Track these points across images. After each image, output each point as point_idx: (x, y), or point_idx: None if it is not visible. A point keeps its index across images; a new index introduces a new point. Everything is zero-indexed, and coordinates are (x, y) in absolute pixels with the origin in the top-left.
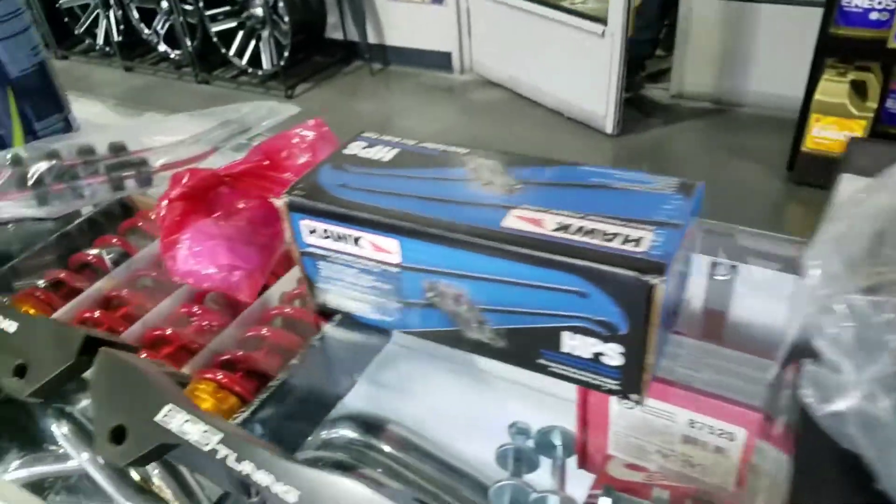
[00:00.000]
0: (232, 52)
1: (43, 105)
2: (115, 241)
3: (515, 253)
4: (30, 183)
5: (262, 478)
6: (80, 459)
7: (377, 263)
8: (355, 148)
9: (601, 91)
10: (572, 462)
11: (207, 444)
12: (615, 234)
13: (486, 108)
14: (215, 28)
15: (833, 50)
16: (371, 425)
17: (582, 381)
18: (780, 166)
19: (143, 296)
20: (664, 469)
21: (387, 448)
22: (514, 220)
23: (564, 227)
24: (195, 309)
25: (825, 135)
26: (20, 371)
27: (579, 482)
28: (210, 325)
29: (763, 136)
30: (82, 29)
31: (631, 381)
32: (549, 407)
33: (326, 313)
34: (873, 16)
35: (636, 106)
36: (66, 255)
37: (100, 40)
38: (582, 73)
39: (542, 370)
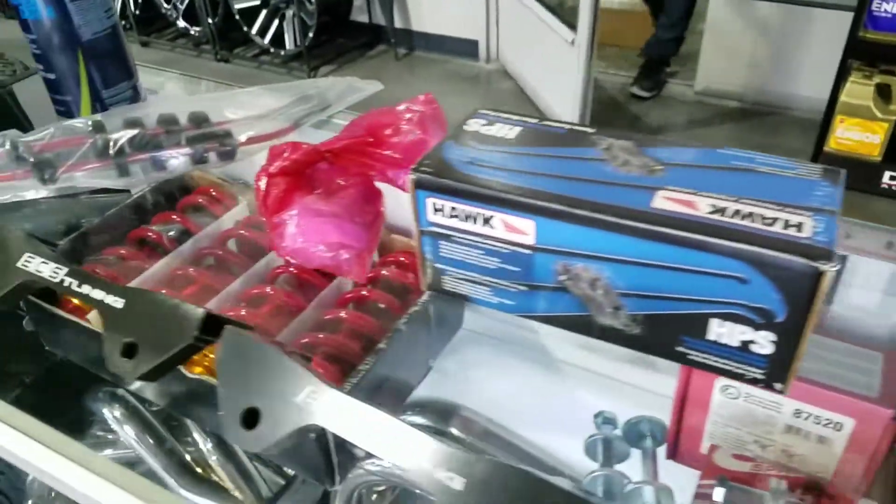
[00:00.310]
0: (254, 30)
1: (113, 71)
2: (174, 217)
3: (669, 235)
4: (112, 152)
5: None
6: (136, 447)
7: (507, 244)
8: (475, 125)
9: (571, 99)
10: (660, 452)
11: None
12: (774, 219)
13: (507, 98)
14: (238, 5)
15: (861, 53)
16: (443, 413)
17: (723, 369)
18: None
19: (210, 275)
20: (760, 459)
21: (465, 438)
22: (664, 202)
23: (720, 210)
24: (268, 290)
25: (848, 136)
26: (129, 351)
27: (667, 473)
28: (285, 307)
29: (786, 136)
30: None
31: (777, 371)
32: (623, 396)
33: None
34: None
35: (660, 102)
36: (125, 231)
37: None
38: (555, 78)
39: (680, 358)
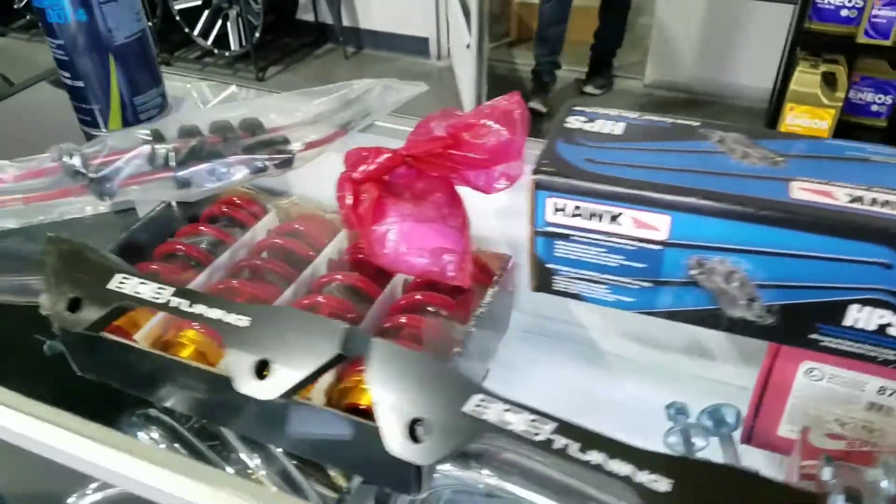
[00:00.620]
0: (196, 31)
1: (143, 78)
2: (202, 229)
3: (814, 224)
4: (174, 163)
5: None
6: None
7: (634, 241)
8: (576, 122)
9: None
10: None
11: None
12: None
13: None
14: (178, 6)
15: (806, 44)
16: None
17: (857, 353)
18: None
19: (256, 286)
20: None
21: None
22: (802, 192)
23: (857, 199)
24: (320, 299)
25: (798, 122)
26: (261, 370)
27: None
28: (340, 315)
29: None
30: (23, 3)
31: None
32: (678, 385)
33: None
34: (844, 13)
35: (611, 97)
36: (148, 247)
37: None
38: (464, 80)
39: (811, 345)
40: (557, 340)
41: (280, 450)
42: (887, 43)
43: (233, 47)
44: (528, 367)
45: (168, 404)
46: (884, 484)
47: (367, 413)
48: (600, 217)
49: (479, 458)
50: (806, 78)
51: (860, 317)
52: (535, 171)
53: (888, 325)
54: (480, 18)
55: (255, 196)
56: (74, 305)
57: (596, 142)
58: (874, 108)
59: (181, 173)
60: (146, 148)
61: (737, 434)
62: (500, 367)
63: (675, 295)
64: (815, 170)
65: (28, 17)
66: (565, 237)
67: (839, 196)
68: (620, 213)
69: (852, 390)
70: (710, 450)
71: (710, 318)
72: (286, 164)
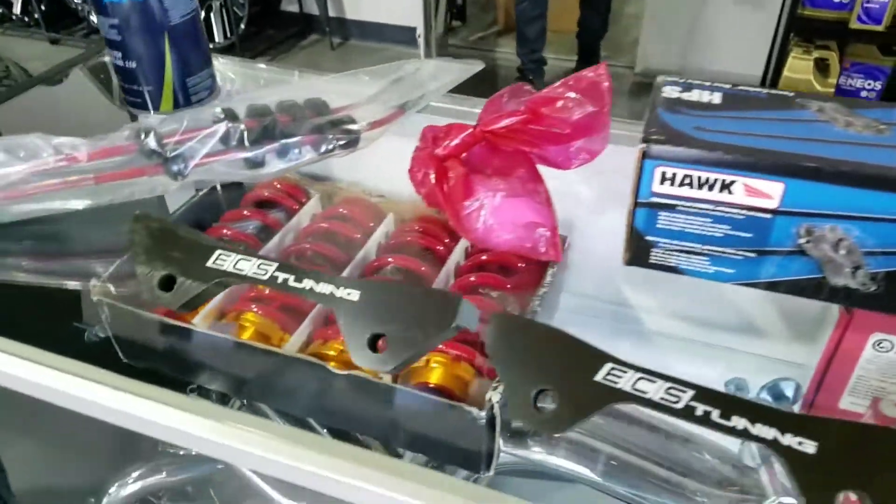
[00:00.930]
0: None
1: (195, 58)
2: (246, 213)
3: None
4: (248, 142)
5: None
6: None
7: (743, 210)
8: (673, 92)
9: None
10: None
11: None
12: None
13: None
14: None
15: (800, 30)
16: None
17: None
18: None
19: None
20: None
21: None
22: None
23: None
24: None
25: None
26: (374, 343)
27: None
28: None
29: None
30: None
31: None
32: (729, 362)
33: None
34: None
35: None
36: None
37: (17, 9)
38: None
39: None
40: (606, 320)
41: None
42: (879, 28)
43: (217, 39)
44: None
45: (221, 388)
46: None
47: (437, 391)
48: (711, 185)
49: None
50: (799, 64)
51: None
52: (645, 140)
53: None
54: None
55: (297, 181)
56: (168, 284)
57: (698, 110)
58: (864, 94)
59: (254, 153)
60: (221, 126)
61: (796, 408)
62: None
63: (780, 265)
64: None
65: (87, 23)
66: (670, 208)
67: None
68: (734, 181)
69: None
70: None
71: (812, 288)
72: (352, 143)
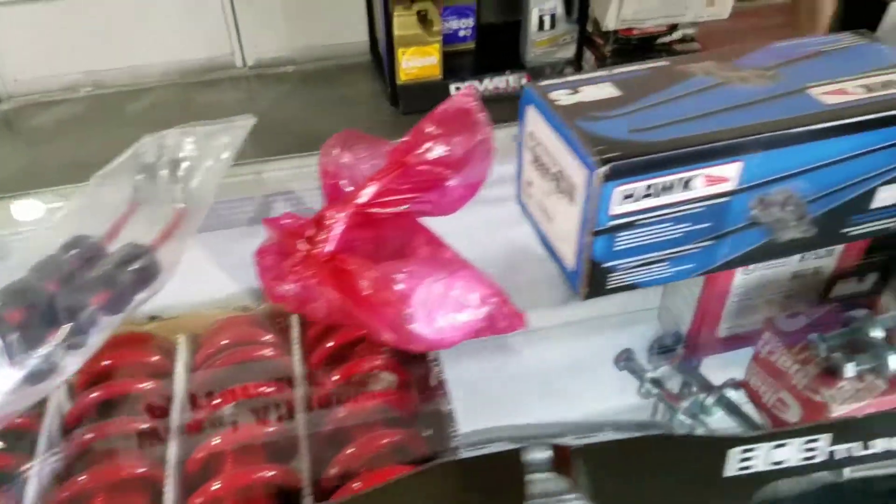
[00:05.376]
0: None
1: None
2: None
3: (861, 124)
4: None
5: None
6: None
7: (702, 202)
8: (563, 97)
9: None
10: None
11: None
12: None
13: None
14: None
15: None
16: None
17: (878, 230)
18: (384, 105)
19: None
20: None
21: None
22: (828, 97)
23: (868, 88)
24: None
25: (412, 64)
26: None
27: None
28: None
29: (354, 83)
30: None
31: None
32: (600, 330)
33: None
34: None
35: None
36: None
37: None
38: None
39: (842, 239)
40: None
41: None
42: None
43: None
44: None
45: None
46: (874, 333)
47: None
48: (671, 188)
49: None
50: (405, 21)
51: (885, 195)
52: (601, 162)
53: None
54: None
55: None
56: None
57: (608, 110)
58: (462, 33)
59: (31, 362)
60: None
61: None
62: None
63: (735, 242)
64: (809, 73)
65: None
66: (629, 226)
67: (854, 91)
68: (693, 177)
69: (778, 268)
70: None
71: (763, 252)
72: (152, 274)
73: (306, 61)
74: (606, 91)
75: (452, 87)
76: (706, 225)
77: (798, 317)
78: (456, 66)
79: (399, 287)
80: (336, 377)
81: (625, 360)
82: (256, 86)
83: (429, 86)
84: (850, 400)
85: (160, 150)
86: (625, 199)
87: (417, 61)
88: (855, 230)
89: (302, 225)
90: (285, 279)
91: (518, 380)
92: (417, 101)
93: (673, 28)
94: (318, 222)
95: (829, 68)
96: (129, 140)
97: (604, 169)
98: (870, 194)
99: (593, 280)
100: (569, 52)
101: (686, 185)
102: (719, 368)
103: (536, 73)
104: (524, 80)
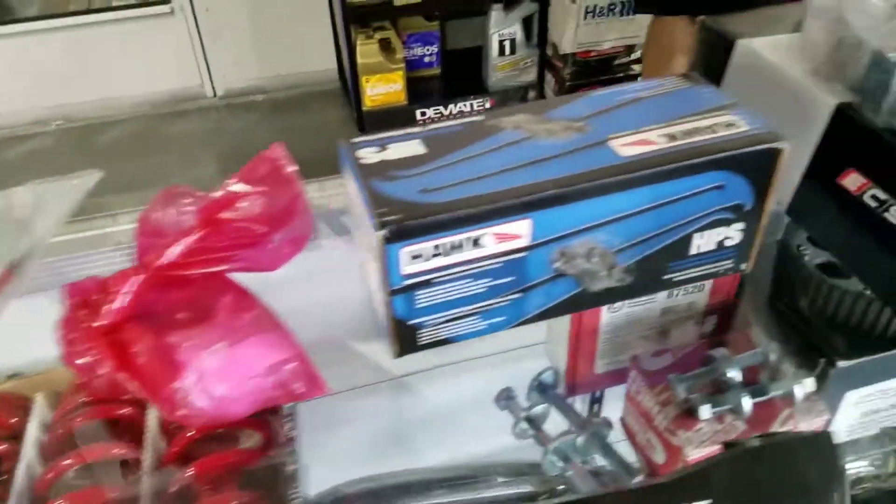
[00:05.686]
0: None
1: None
2: None
3: (657, 175)
4: None
5: None
6: None
7: (498, 258)
8: (370, 155)
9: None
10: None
11: None
12: (711, 126)
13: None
14: None
15: (356, 18)
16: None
17: (705, 276)
18: (352, 130)
19: None
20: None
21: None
22: (627, 149)
23: (671, 137)
24: None
25: (378, 91)
26: None
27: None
28: None
29: (321, 110)
30: None
31: (745, 253)
32: (485, 370)
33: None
34: None
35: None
36: None
37: None
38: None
39: (667, 285)
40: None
41: None
42: (417, 0)
43: None
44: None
45: None
46: (731, 374)
47: None
48: (461, 247)
49: None
50: (368, 49)
51: (702, 242)
52: (382, 225)
53: (725, 238)
54: None
55: None
56: None
57: (408, 169)
58: (427, 59)
59: None
60: None
61: (561, 390)
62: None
63: (543, 294)
64: (616, 124)
65: None
66: (426, 284)
67: (656, 140)
68: (482, 235)
69: (647, 305)
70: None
71: (578, 302)
72: None
73: (276, 90)
74: (413, 149)
75: (418, 112)
76: (509, 279)
77: (665, 354)
78: (422, 91)
79: (178, 357)
80: (191, 433)
81: (505, 398)
82: (226, 115)
83: (394, 111)
84: (706, 443)
85: (8, 207)
86: (414, 260)
87: (382, 88)
88: (677, 276)
89: (96, 290)
90: (72, 354)
91: (409, 422)
92: (384, 127)
93: (630, 49)
94: (105, 287)
95: (640, 116)
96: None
97: (384, 231)
98: (686, 241)
99: (402, 337)
100: (530, 75)
101: (476, 243)
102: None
103: (500, 97)
104: (488, 105)
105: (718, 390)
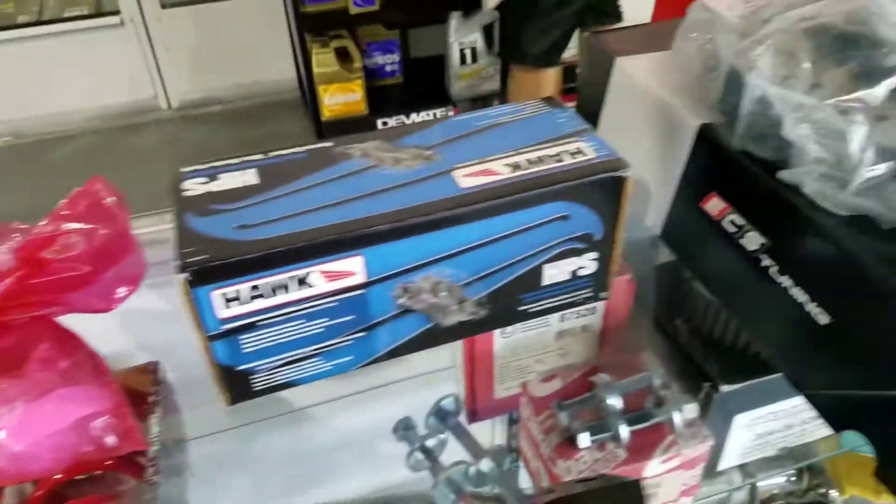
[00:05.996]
0: None
1: None
2: None
3: (494, 209)
4: None
5: None
6: None
7: (332, 296)
8: (196, 187)
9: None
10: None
11: None
12: (558, 154)
13: None
14: None
15: (310, 27)
16: None
17: (561, 305)
18: (311, 141)
19: None
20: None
21: None
22: (468, 180)
23: (516, 166)
24: None
25: (336, 101)
26: None
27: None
28: None
29: (283, 119)
30: None
31: (602, 282)
32: (383, 398)
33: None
34: None
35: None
36: None
37: None
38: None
39: (523, 317)
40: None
41: None
42: (375, 8)
43: None
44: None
45: None
46: (611, 401)
47: None
48: (285, 288)
49: None
50: (323, 58)
51: (555, 272)
52: (183, 268)
53: (578, 268)
54: None
55: None
56: None
57: (235, 202)
58: (388, 67)
59: None
60: None
61: (462, 418)
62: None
63: (391, 331)
64: (465, 152)
65: None
66: (250, 327)
67: (500, 170)
68: (308, 274)
69: (541, 329)
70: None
71: (431, 337)
72: None
73: (233, 100)
74: (244, 179)
75: (379, 122)
76: (349, 318)
77: (553, 380)
78: (384, 100)
79: None
80: (58, 476)
81: (402, 428)
82: (181, 127)
83: (354, 121)
84: (585, 472)
85: None
86: (230, 302)
87: (341, 97)
88: (533, 307)
89: None
90: None
91: (312, 454)
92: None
93: None
94: None
95: (490, 144)
96: (51, 190)
97: (185, 274)
98: (537, 272)
99: (231, 385)
100: (494, 84)
101: (302, 282)
102: None
103: (464, 106)
104: (451, 114)
105: (600, 417)
